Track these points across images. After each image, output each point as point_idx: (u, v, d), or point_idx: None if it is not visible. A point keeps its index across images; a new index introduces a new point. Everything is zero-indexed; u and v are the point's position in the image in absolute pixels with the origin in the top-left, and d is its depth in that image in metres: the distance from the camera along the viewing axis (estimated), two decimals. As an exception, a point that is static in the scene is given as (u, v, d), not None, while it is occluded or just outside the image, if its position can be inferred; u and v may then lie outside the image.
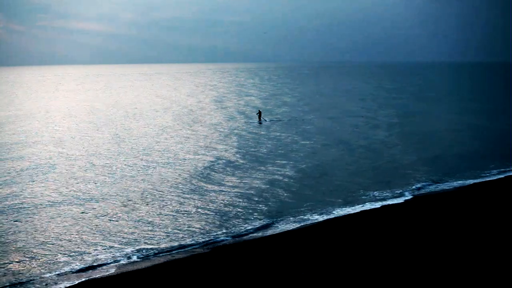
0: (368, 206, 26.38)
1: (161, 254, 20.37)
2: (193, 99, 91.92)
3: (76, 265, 19.27)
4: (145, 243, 21.46)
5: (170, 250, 20.81)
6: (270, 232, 22.85)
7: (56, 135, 49.78)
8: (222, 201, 27.15)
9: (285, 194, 28.63)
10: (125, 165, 35.96)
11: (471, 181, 31.13)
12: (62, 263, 19.32)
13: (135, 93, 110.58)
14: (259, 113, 61.74)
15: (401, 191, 29.27)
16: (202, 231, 22.82)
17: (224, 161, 37.17)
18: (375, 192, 28.95)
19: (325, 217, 24.77)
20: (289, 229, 23.13)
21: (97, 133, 50.94)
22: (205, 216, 24.74)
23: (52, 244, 21.12)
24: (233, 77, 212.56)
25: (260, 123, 59.01)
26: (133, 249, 20.72)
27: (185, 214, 25.05)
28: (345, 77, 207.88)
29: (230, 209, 25.89)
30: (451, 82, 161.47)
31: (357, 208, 25.93)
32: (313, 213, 25.42)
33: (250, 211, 25.69)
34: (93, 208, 25.87)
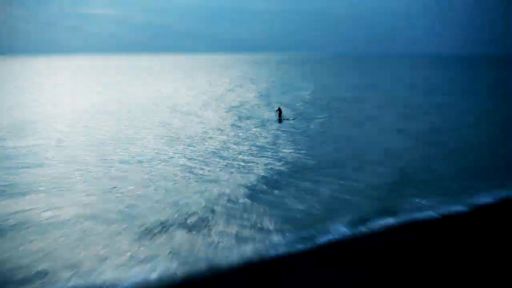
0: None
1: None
2: (233, 94, 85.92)
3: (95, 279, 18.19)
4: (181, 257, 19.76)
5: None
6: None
7: (102, 134, 45.46)
8: (281, 209, 24.80)
9: (349, 200, 26.13)
10: (177, 169, 32.62)
11: None
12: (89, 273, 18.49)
13: (170, 87, 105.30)
14: (279, 110, 55.14)
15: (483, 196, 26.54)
16: (249, 243, 21.04)
17: (282, 162, 33.84)
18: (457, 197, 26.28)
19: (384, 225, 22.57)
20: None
21: (145, 133, 46.40)
22: (257, 227, 22.69)
23: (85, 255, 20.00)
24: (267, 68, 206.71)
25: (280, 121, 52.25)
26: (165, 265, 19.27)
27: (234, 224, 23.12)
28: (392, 68, 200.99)
29: (294, 216, 23.89)
30: (507, 76, 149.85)
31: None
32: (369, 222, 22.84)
33: (319, 217, 23.69)
34: (143, 217, 23.85)
